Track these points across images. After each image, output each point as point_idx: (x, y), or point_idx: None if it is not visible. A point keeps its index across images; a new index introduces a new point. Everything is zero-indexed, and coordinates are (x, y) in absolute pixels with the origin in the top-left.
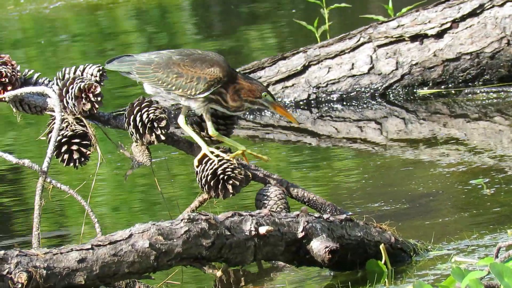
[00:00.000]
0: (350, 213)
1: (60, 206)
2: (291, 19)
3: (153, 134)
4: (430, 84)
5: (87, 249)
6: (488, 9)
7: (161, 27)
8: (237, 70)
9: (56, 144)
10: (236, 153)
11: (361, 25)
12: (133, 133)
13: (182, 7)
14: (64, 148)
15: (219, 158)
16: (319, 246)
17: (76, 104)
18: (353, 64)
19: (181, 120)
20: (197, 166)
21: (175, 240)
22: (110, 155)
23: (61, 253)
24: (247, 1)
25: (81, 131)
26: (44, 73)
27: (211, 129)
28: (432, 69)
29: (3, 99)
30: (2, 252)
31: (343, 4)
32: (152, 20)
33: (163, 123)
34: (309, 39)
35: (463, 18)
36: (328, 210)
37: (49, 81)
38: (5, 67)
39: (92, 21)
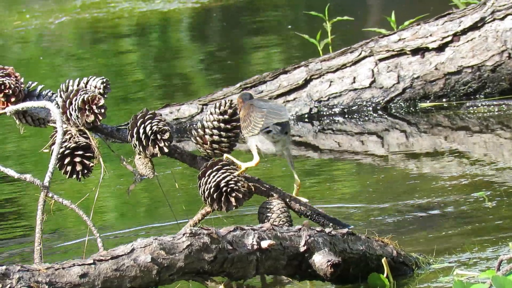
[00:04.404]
0: (352, 227)
1: (62, 220)
2: (289, 34)
3: (157, 146)
4: (432, 97)
5: (89, 264)
6: (489, 22)
7: (162, 42)
8: (239, 84)
9: (59, 156)
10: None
11: (362, 38)
12: (136, 145)
13: (183, 22)
14: (67, 160)
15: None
16: (321, 260)
17: (79, 115)
18: (354, 78)
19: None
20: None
21: (177, 254)
22: (112, 171)
23: (63, 268)
24: (248, 15)
25: (84, 143)
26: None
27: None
28: (434, 83)
29: (5, 113)
30: (4, 267)
31: (345, 17)
32: (154, 36)
33: (167, 135)
34: (307, 53)
35: (464, 31)
36: (330, 224)
37: (53, 94)
38: (8, 78)
39: (93, 38)
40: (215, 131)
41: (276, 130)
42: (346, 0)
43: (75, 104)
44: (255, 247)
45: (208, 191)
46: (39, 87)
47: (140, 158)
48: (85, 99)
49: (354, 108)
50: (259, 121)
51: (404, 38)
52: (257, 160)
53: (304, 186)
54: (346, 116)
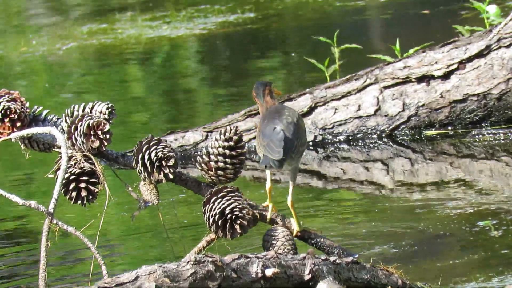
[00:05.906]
0: (357, 256)
1: (67, 247)
2: (295, 60)
3: (162, 172)
4: (437, 125)
5: None
6: (495, 50)
7: (168, 68)
8: (244, 111)
9: (64, 182)
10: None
11: (368, 65)
12: (141, 171)
13: (190, 48)
14: (72, 186)
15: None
16: None
17: (84, 141)
18: (359, 106)
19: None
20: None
21: (181, 282)
22: (117, 198)
23: None
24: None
25: (90, 169)
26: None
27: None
28: (439, 111)
29: (10, 139)
30: None
31: (353, 45)
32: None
33: (172, 162)
34: (313, 80)
35: (470, 59)
36: (335, 252)
37: (58, 119)
38: (14, 103)
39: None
40: (220, 158)
41: (274, 165)
42: (352, 26)
43: (80, 130)
44: (260, 275)
45: (212, 218)
46: (44, 112)
47: (145, 184)
48: (91, 125)
49: (359, 135)
50: (261, 149)
51: (410, 66)
52: (269, 185)
53: (309, 214)
54: (351, 143)
